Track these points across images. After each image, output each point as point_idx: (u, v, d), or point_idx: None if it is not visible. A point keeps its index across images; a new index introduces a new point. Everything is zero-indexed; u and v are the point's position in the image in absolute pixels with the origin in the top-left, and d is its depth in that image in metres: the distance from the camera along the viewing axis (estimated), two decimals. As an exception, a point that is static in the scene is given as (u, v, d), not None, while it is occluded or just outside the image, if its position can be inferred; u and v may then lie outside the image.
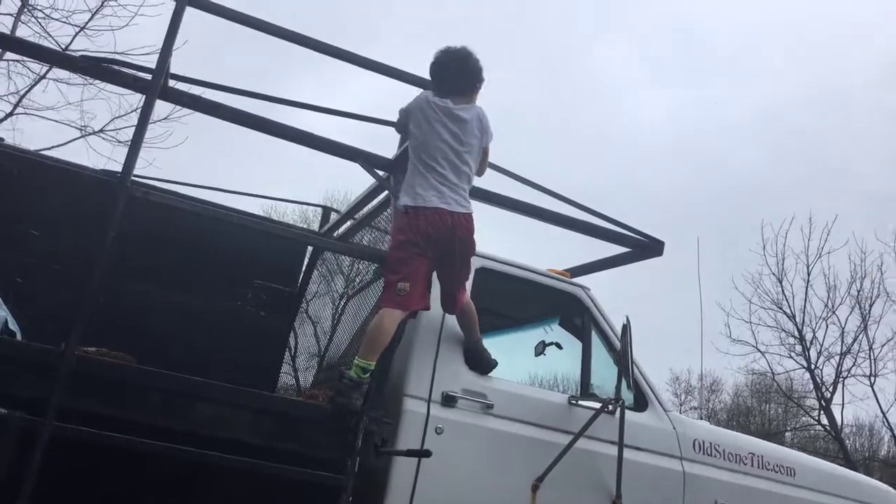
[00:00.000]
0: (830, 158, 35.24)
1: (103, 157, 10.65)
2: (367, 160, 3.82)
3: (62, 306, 3.03)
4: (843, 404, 19.85)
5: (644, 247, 4.58)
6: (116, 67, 3.70)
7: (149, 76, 3.25)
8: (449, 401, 3.62)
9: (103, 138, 9.95)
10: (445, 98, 3.62)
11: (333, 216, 5.30)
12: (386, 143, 4.15)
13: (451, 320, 3.76)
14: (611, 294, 4.61)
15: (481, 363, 3.77)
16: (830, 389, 19.74)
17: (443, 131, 3.56)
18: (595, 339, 4.15)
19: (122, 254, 3.38)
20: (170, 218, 3.73)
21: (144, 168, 8.32)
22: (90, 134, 9.82)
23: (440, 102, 3.61)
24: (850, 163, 33.21)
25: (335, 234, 4.93)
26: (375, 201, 4.37)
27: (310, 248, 4.72)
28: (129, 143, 3.18)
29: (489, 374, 3.78)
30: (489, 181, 4.12)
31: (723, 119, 43.89)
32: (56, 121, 9.69)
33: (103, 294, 3.09)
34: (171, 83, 3.74)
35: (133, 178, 3.17)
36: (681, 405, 24.77)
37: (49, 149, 8.73)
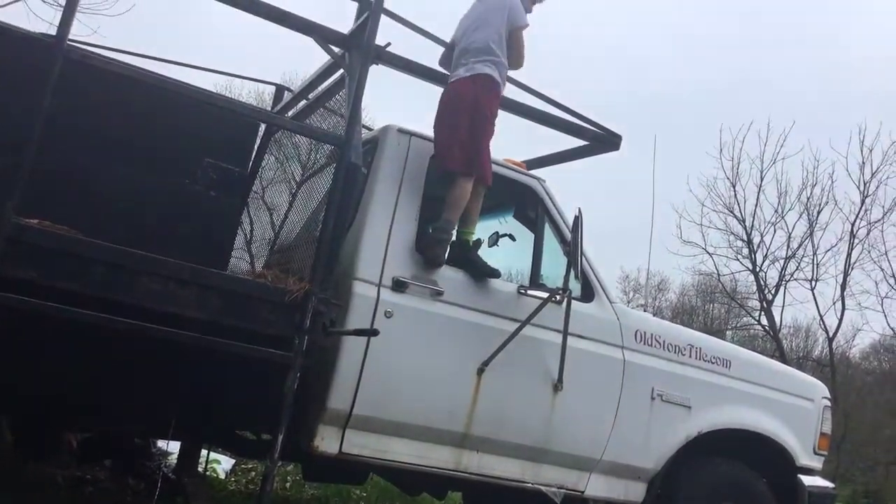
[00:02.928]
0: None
1: (44, 21, 10.01)
2: (322, 35, 3.67)
3: (2, 175, 2.91)
4: (783, 306, 20.68)
5: (601, 140, 4.55)
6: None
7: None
8: (399, 286, 3.64)
9: (45, 2, 9.35)
10: None
11: (287, 96, 5.14)
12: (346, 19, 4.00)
13: (403, 206, 3.73)
14: (568, 193, 4.61)
15: (432, 250, 3.75)
16: (773, 292, 20.49)
17: (472, 12, 4.03)
18: (548, 232, 4.17)
19: (66, 125, 3.24)
20: (115, 88, 3.56)
21: (89, 36, 7.91)
22: (31, -4, 9.21)
23: None
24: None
25: (288, 115, 4.79)
26: (330, 80, 4.23)
27: (262, 129, 4.59)
28: (68, 5, 2.98)
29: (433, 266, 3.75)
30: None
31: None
32: (-5, -19, 9.04)
33: (46, 167, 2.98)
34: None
35: (72, 42, 3.00)
36: (629, 302, 25.49)
37: (-15, 11, 8.18)
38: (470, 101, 3.78)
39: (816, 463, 4.82)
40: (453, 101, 3.83)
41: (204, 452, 4.99)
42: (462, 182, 3.76)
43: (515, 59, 4.01)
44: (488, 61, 3.82)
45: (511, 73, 4.10)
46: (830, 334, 20.46)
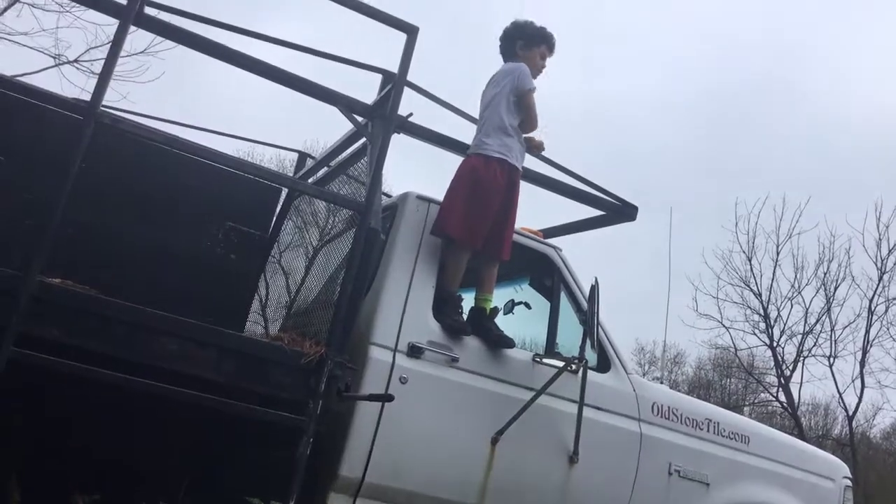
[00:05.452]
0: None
1: (76, 87, 10.39)
2: (347, 105, 3.77)
3: (28, 235, 2.97)
4: (801, 383, 20.33)
5: (618, 210, 4.58)
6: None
7: (124, 1, 3.16)
8: (415, 351, 3.63)
9: (78, 68, 9.70)
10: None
11: (309, 163, 5.24)
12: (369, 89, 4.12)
13: (420, 272, 3.76)
14: (584, 262, 4.64)
15: (449, 318, 3.77)
16: (790, 367, 20.19)
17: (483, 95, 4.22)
18: (563, 301, 4.18)
19: (91, 188, 3.32)
20: (141, 151, 3.66)
21: (118, 101, 8.17)
22: (64, 63, 9.56)
23: None
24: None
25: (309, 181, 4.87)
26: (352, 149, 4.32)
27: (283, 194, 4.66)
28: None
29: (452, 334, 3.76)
30: (465, 135, 4.15)
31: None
32: (30, 47, 9.42)
33: (70, 227, 3.04)
34: (150, 11, 3.65)
35: (103, 107, 3.10)
36: (644, 374, 25.17)
37: (21, 75, 8.48)
38: (469, 174, 3.91)
39: (837, 545, 4.67)
40: (459, 170, 3.98)
41: (211, 518, 4.90)
42: (453, 248, 3.86)
43: (528, 123, 4.11)
44: (500, 137, 3.97)
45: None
46: (850, 412, 20.03)
